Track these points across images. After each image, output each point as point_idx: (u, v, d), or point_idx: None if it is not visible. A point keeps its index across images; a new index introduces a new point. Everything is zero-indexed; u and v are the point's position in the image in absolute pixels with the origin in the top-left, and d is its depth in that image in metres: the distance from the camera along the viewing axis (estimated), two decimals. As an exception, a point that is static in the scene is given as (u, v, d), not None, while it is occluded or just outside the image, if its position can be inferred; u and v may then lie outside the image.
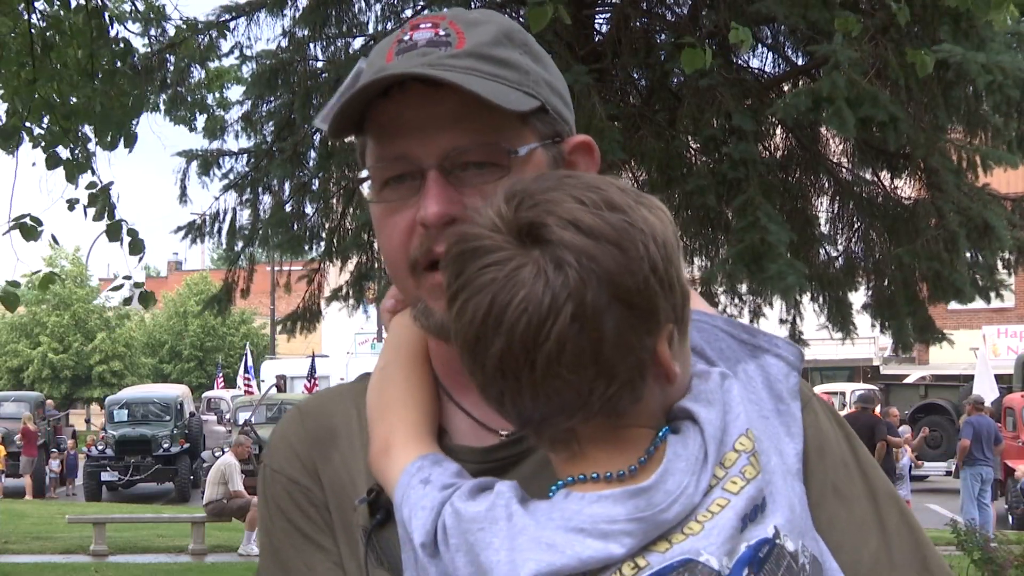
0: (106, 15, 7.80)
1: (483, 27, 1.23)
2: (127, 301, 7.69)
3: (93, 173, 7.67)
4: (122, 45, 7.88)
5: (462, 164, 1.19)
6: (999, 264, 9.31)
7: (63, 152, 7.68)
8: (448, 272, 1.07)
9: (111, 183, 7.63)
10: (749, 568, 1.03)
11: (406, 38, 1.22)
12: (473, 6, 9.10)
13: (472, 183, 1.18)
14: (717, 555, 1.02)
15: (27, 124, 7.72)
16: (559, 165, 1.24)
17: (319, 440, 1.33)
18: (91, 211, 7.49)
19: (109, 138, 7.64)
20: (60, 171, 7.62)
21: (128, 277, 7.89)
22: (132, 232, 7.62)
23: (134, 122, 7.88)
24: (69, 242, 47.39)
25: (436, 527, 1.09)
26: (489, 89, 1.16)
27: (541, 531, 1.04)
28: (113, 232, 7.50)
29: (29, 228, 7.10)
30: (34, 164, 8.86)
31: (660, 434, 1.08)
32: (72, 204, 7.61)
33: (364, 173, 1.25)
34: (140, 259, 7.75)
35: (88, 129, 7.78)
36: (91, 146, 7.80)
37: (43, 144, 7.73)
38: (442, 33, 1.21)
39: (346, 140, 1.31)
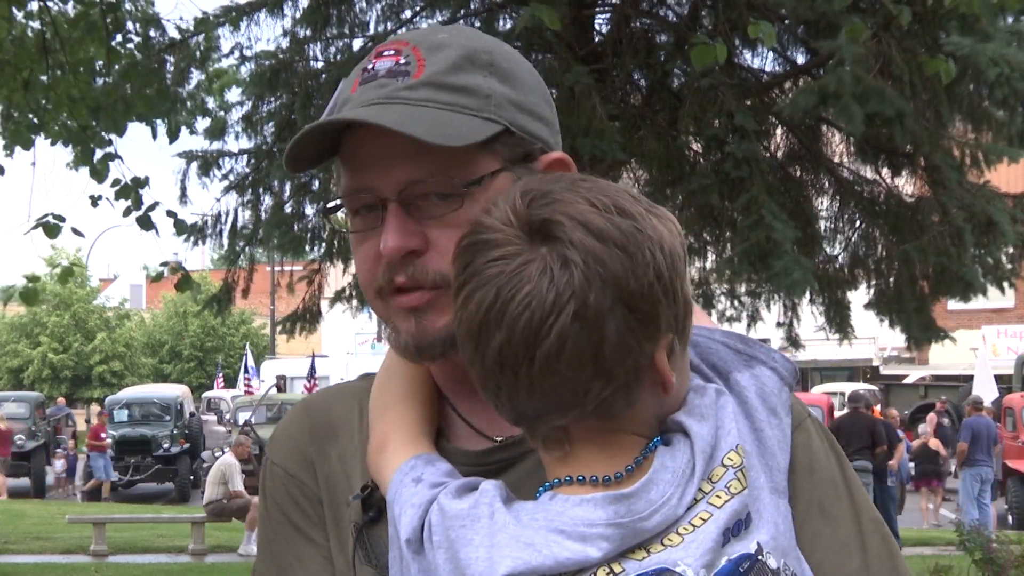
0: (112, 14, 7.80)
1: (444, 52, 1.23)
2: (181, 287, 7.77)
3: (119, 161, 7.73)
4: (139, 39, 7.91)
5: (422, 195, 1.20)
6: (1003, 259, 9.32)
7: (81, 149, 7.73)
8: (457, 262, 1.09)
9: (135, 177, 7.73)
10: None
11: (369, 67, 1.24)
12: (472, 6, 9.10)
13: (433, 214, 1.20)
14: (695, 567, 1.03)
15: (37, 121, 7.75)
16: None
17: (318, 435, 1.35)
18: (119, 206, 7.59)
19: (145, 129, 7.74)
20: (59, 170, 7.70)
21: (165, 263, 7.99)
22: (171, 214, 7.80)
23: (154, 117, 7.96)
24: (69, 242, 47.48)
25: (423, 524, 1.11)
26: (435, 124, 1.16)
27: (521, 530, 1.05)
28: (145, 223, 7.61)
29: (52, 227, 7.13)
30: (33, 164, 8.89)
31: (651, 444, 1.09)
32: (95, 200, 7.66)
33: (334, 203, 1.28)
34: (190, 240, 7.93)
35: (99, 124, 7.81)
36: (113, 143, 7.84)
37: (63, 141, 7.78)
38: (402, 61, 1.22)
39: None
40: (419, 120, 1.16)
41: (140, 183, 7.69)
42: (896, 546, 1.24)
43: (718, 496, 1.07)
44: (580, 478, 1.07)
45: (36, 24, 7.98)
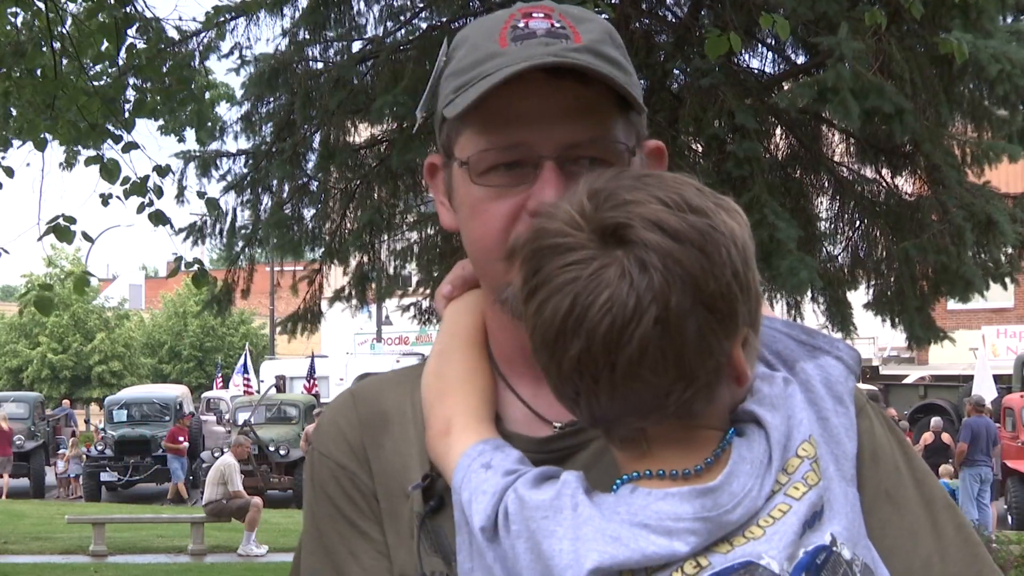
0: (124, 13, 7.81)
1: (589, 24, 1.24)
2: (198, 282, 7.84)
3: (130, 158, 7.80)
4: (151, 34, 7.92)
5: (575, 157, 1.19)
6: (1002, 259, 9.32)
7: (93, 150, 7.75)
8: (525, 267, 1.07)
9: (157, 165, 7.77)
10: (807, 574, 1.04)
11: (520, 25, 1.22)
12: (472, 5, 9.09)
13: (583, 177, 1.18)
14: (779, 559, 1.03)
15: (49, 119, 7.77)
16: (643, 166, 1.26)
17: (370, 425, 1.33)
18: (120, 205, 7.66)
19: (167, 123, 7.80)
20: (56, 171, 7.74)
21: (180, 258, 8.05)
22: (201, 195, 8.15)
23: (177, 108, 8.03)
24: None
25: (497, 512, 1.09)
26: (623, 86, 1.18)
27: (606, 523, 1.04)
28: (158, 219, 7.66)
29: (63, 229, 7.12)
30: (28, 164, 8.91)
31: (727, 436, 1.09)
32: (106, 199, 7.69)
33: (464, 155, 1.23)
34: (190, 238, 7.98)
35: (110, 119, 7.83)
36: (123, 140, 7.87)
37: (71, 141, 7.79)
38: (557, 25, 1.21)
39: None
40: (614, 80, 1.17)
41: (163, 171, 7.71)
42: (975, 535, 1.23)
43: (796, 488, 1.07)
44: (660, 472, 1.07)
45: (18, 20, 7.98)
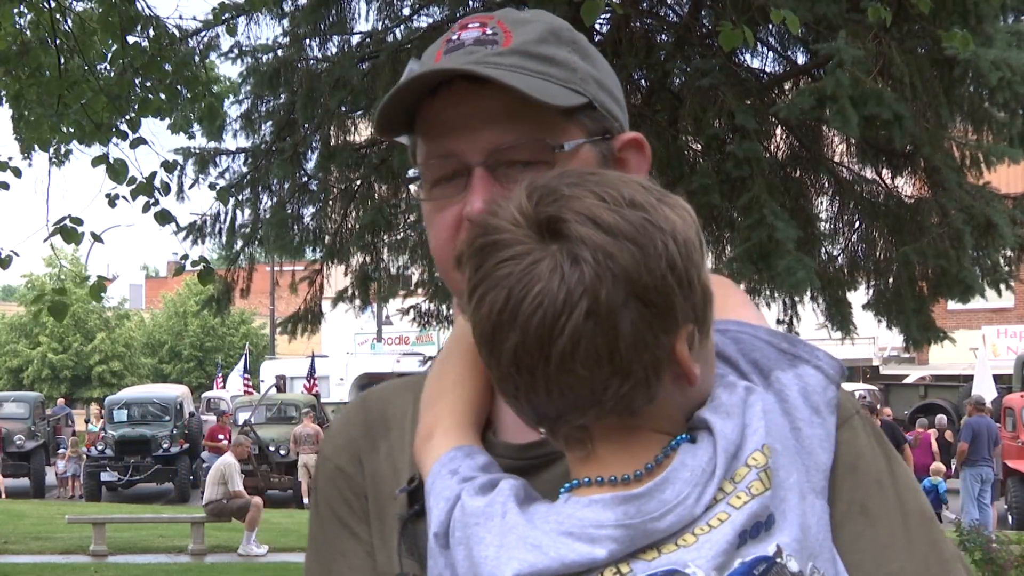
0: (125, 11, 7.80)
1: (530, 25, 1.24)
2: (205, 280, 7.87)
3: (136, 159, 7.82)
4: (152, 32, 7.91)
5: (508, 161, 1.20)
6: (1001, 261, 9.32)
7: (99, 149, 7.76)
8: (468, 265, 1.07)
9: (165, 160, 7.80)
10: None
11: (454, 38, 1.23)
12: (471, 4, 9.09)
13: (519, 180, 1.17)
14: (705, 569, 1.01)
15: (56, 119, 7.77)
16: (608, 162, 1.26)
17: (371, 429, 1.35)
18: (124, 206, 7.67)
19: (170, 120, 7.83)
20: (54, 172, 7.75)
21: (186, 256, 8.07)
22: (212, 187, 8.33)
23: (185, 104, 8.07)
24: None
25: (450, 519, 1.10)
26: (532, 85, 1.17)
27: (530, 531, 1.04)
28: (163, 218, 7.67)
29: (70, 231, 7.10)
30: (31, 165, 8.92)
31: (674, 441, 1.07)
32: (112, 199, 7.68)
33: (412, 172, 1.27)
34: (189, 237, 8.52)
35: (115, 116, 7.84)
36: (128, 137, 7.87)
37: (76, 140, 7.78)
38: (489, 32, 1.22)
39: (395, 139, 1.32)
40: (519, 80, 1.16)
41: (170, 166, 7.71)
42: (951, 550, 1.20)
43: (738, 497, 1.05)
44: (599, 479, 1.06)
45: (24, 20, 7.97)
